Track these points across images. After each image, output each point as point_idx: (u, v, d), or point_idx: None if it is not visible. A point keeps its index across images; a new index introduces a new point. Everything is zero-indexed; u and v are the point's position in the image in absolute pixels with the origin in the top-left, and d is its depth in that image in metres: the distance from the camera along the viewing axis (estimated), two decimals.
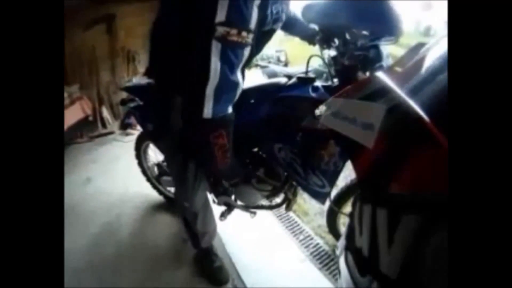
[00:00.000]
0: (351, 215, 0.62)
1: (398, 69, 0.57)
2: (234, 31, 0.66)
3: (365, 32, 0.70)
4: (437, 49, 0.54)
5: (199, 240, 1.29)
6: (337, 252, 0.71)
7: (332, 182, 0.86)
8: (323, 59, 0.87)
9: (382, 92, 0.52)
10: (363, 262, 0.56)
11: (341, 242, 0.68)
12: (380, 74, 0.54)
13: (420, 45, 0.59)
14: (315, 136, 0.84)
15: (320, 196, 0.93)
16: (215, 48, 0.67)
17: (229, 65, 0.70)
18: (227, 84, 0.71)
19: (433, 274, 0.44)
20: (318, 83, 0.89)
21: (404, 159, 0.48)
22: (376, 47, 0.78)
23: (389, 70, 0.59)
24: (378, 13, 0.67)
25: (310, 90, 0.87)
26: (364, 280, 0.55)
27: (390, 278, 0.49)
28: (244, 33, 0.67)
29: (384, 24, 0.70)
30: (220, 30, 0.66)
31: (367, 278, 0.55)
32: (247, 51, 0.72)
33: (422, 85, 0.50)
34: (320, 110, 0.81)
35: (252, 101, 0.98)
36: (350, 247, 0.61)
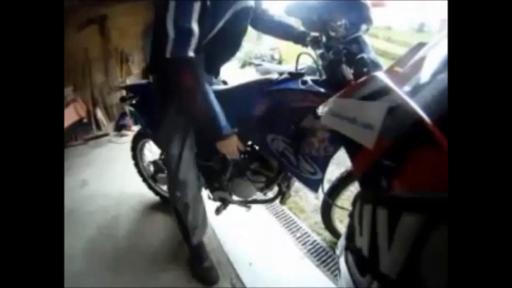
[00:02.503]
0: (351, 215, 0.62)
1: (398, 69, 0.57)
2: None
3: (339, 23, 0.77)
4: (437, 49, 0.54)
5: (190, 235, 1.29)
6: (337, 252, 0.72)
7: (323, 168, 0.90)
8: (311, 56, 0.92)
9: (382, 92, 0.52)
10: (363, 262, 0.56)
11: (341, 242, 0.69)
12: (380, 74, 0.54)
13: (420, 45, 0.59)
14: (305, 125, 0.89)
15: (312, 184, 0.96)
16: (171, 6, 0.85)
17: (182, 16, 0.86)
18: (182, 31, 0.86)
19: (433, 273, 0.44)
20: (308, 78, 0.93)
21: (404, 158, 0.49)
22: (357, 40, 0.84)
23: (389, 70, 0.59)
24: (348, 4, 0.76)
25: (299, 83, 0.92)
26: (364, 280, 0.55)
27: (390, 278, 0.49)
28: None
29: (356, 13, 0.77)
30: None
31: (367, 278, 0.55)
32: (197, 4, 0.87)
33: (422, 85, 0.50)
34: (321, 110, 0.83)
35: (245, 96, 1.03)
36: (350, 247, 0.61)
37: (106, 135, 2.99)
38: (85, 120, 3.00)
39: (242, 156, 1.16)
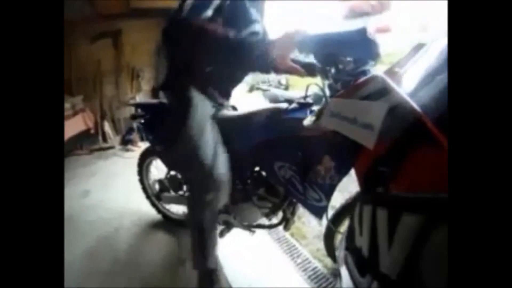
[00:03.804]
0: (351, 215, 0.62)
1: (398, 69, 0.57)
2: None
3: (349, 59, 0.78)
4: (436, 49, 0.54)
5: (208, 255, 1.22)
6: (337, 253, 0.71)
7: (329, 195, 0.91)
8: (318, 85, 0.92)
9: (382, 92, 0.52)
10: (363, 262, 0.56)
11: (341, 243, 0.68)
12: (380, 74, 0.54)
13: (420, 46, 0.59)
14: (312, 153, 0.91)
15: (317, 211, 0.97)
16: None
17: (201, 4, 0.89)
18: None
19: (433, 274, 0.44)
20: (316, 107, 0.95)
21: (404, 159, 0.48)
22: (365, 73, 0.84)
23: (389, 71, 0.59)
24: (357, 41, 0.75)
25: (308, 113, 0.94)
26: (364, 280, 0.55)
27: (390, 278, 0.49)
28: None
29: (364, 50, 0.76)
30: None
31: (367, 278, 0.55)
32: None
33: (422, 85, 0.50)
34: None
35: (256, 124, 1.06)
36: (350, 247, 0.61)
37: (111, 148, 3.03)
38: (92, 131, 3.06)
39: (249, 181, 1.18)
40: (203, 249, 1.23)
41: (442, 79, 0.47)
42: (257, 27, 1.04)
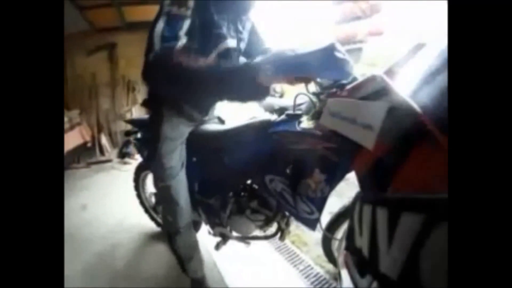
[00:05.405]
0: (351, 215, 0.62)
1: (398, 69, 0.57)
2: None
3: (319, 80, 0.80)
4: (436, 49, 0.54)
5: (185, 266, 1.31)
6: (336, 254, 0.71)
7: (320, 208, 0.90)
8: (308, 95, 0.88)
9: (382, 92, 0.52)
10: (363, 263, 0.55)
11: (340, 245, 0.68)
12: (380, 75, 0.54)
13: (420, 46, 0.59)
14: (302, 166, 0.90)
15: (309, 223, 0.96)
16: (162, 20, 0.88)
17: (170, 30, 0.88)
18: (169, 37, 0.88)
19: (433, 274, 0.44)
20: (305, 118, 0.92)
21: (404, 159, 0.49)
22: (344, 86, 0.85)
23: (389, 71, 0.59)
24: (324, 62, 0.65)
25: (296, 124, 0.89)
26: (364, 280, 0.55)
27: (390, 278, 0.49)
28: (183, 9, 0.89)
29: (332, 71, 0.69)
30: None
31: (367, 278, 0.54)
32: (186, 23, 0.89)
33: (422, 85, 0.50)
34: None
35: (245, 137, 1.06)
36: (350, 247, 0.60)
37: (109, 161, 3.03)
38: (89, 145, 3.06)
39: (242, 194, 1.19)
40: (177, 257, 1.31)
41: (442, 79, 0.47)
42: (229, 43, 1.02)
